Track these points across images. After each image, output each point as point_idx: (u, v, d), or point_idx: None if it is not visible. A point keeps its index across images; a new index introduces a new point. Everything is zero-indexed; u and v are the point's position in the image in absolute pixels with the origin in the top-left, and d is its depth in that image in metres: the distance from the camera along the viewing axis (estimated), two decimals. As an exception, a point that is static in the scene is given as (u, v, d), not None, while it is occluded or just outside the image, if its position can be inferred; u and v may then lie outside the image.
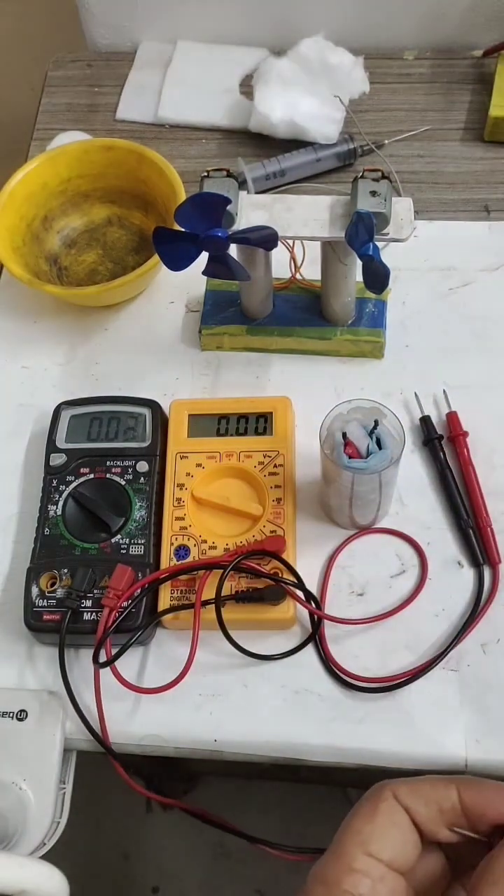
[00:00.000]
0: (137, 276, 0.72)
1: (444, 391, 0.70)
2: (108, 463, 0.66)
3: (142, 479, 0.65)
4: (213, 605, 0.59)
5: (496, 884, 0.40)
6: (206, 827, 0.59)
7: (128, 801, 1.22)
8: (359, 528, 0.65)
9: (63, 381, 0.75)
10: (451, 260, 0.78)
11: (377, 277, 0.62)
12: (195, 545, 0.63)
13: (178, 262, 0.62)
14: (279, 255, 0.68)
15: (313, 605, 0.61)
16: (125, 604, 0.60)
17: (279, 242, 0.63)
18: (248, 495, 0.65)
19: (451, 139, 0.86)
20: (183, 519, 0.64)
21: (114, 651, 0.59)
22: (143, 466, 0.66)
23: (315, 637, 0.62)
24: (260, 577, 0.60)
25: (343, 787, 1.18)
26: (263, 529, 0.63)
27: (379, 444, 0.58)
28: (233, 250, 0.62)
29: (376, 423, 0.58)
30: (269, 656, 0.61)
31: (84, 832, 1.22)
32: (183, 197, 0.73)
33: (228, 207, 0.59)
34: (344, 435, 0.58)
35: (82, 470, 0.66)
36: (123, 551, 0.63)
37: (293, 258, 0.72)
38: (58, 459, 0.67)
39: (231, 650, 0.59)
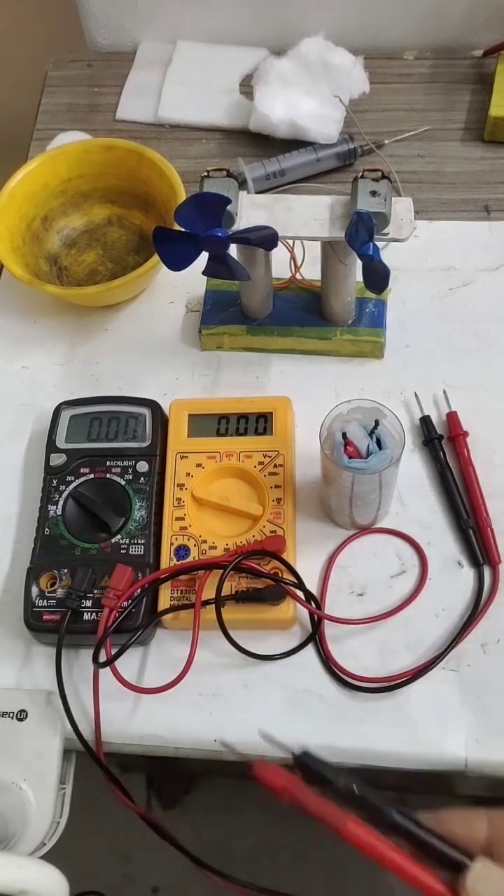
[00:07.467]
0: (137, 276, 0.72)
1: (444, 391, 0.70)
2: (108, 463, 0.66)
3: (142, 479, 0.65)
4: (213, 605, 0.59)
5: None
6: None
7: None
8: (359, 528, 0.65)
9: (63, 381, 0.75)
10: (451, 260, 0.78)
11: (377, 277, 0.62)
12: (195, 545, 0.63)
13: (178, 262, 0.62)
14: (279, 255, 0.68)
15: (313, 605, 0.61)
16: (125, 604, 0.60)
17: (279, 242, 0.63)
18: (248, 495, 0.65)
19: (451, 139, 0.86)
20: (183, 519, 0.64)
21: (114, 651, 0.59)
22: (143, 466, 0.66)
23: (315, 637, 0.61)
24: (260, 577, 0.60)
25: (343, 787, 1.18)
26: (263, 529, 0.63)
27: (379, 444, 0.58)
28: (233, 250, 0.62)
29: (376, 423, 0.58)
30: (269, 656, 0.61)
31: (84, 832, 1.22)
32: (183, 197, 0.73)
33: (228, 207, 0.59)
34: (344, 435, 0.58)
35: (82, 470, 0.66)
36: (123, 551, 0.63)
37: (293, 258, 0.72)
38: (58, 459, 0.66)
39: (231, 650, 0.59)
